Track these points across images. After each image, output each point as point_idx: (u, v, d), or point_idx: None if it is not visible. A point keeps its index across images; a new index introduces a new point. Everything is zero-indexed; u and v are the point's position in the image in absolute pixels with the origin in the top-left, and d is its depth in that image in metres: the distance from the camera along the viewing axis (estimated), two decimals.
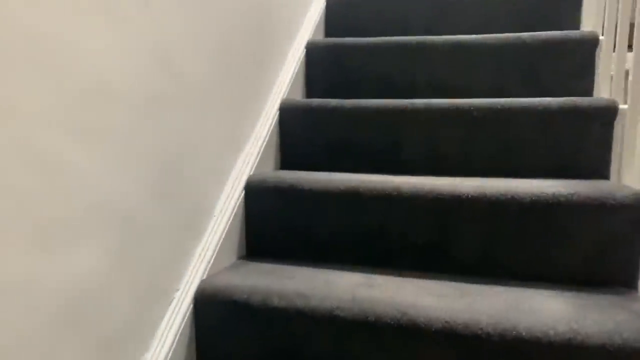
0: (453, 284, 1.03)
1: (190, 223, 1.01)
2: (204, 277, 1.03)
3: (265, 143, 1.31)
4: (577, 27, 1.69)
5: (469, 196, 1.07)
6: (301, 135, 1.41)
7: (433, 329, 0.87)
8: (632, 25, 1.25)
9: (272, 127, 1.36)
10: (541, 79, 1.47)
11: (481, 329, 0.85)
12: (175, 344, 0.93)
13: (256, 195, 1.20)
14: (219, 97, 1.11)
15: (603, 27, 1.39)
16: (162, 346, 0.91)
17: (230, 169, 1.18)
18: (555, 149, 1.25)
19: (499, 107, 1.28)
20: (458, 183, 1.12)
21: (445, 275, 1.08)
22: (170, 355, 0.91)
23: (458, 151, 1.31)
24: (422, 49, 1.54)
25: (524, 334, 0.84)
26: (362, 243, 1.14)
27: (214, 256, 1.06)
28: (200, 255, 1.03)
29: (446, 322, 0.87)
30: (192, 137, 1.01)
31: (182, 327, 0.95)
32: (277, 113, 1.41)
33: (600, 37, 1.44)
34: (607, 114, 1.23)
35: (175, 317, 0.95)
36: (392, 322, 0.89)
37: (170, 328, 0.93)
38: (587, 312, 0.88)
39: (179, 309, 0.96)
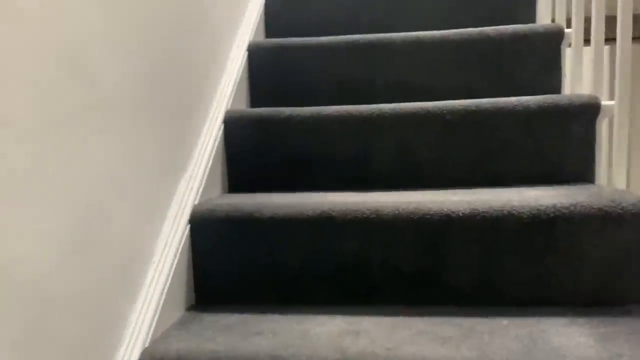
0: (453, 320, 0.87)
1: (122, 279, 0.78)
2: (146, 344, 0.80)
3: (210, 162, 1.10)
4: (533, 21, 1.61)
5: (461, 214, 0.92)
6: (252, 150, 1.21)
7: None
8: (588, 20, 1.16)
9: (217, 142, 1.15)
10: (509, 75, 1.36)
11: None
12: None
13: (205, 228, 0.98)
14: (150, 111, 0.89)
15: (570, 20, 1.29)
16: None
17: (170, 198, 0.96)
18: (537, 151, 1.14)
19: (473, 108, 1.15)
20: (445, 199, 0.97)
21: (440, 309, 0.92)
22: None
23: (433, 159, 1.16)
24: (379, 48, 1.39)
25: None
26: (339, 277, 0.96)
27: (156, 315, 0.83)
28: (138, 318, 0.80)
29: None
30: (119, 166, 0.78)
31: None
32: (222, 126, 1.20)
33: (566, 30, 1.35)
34: (589, 112, 1.13)
35: None
36: None
37: None
38: (615, 347, 0.75)
39: None
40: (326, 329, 0.85)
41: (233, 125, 1.21)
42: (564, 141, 1.13)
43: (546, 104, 1.13)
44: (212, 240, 0.98)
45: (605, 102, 1.12)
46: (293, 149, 1.19)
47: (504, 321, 0.86)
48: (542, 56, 1.36)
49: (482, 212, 0.92)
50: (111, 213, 0.75)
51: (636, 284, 0.91)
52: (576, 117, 1.13)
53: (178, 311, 0.92)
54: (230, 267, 0.98)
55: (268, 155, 1.20)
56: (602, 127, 1.14)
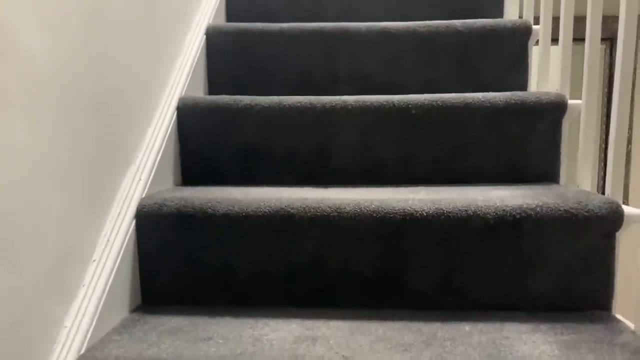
0: (414, 325, 0.83)
1: (55, 280, 0.70)
2: (82, 351, 0.73)
3: (161, 153, 1.02)
4: (500, 16, 1.59)
5: (425, 214, 0.88)
6: (206, 141, 1.14)
7: None
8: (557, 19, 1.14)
9: (169, 131, 1.07)
10: (476, 71, 1.33)
11: None
12: None
13: (152, 225, 0.91)
14: (92, 95, 0.80)
15: (539, 17, 1.27)
16: None
17: (115, 191, 0.88)
18: (502, 149, 1.11)
19: (440, 104, 1.11)
20: (409, 197, 0.92)
21: (402, 313, 0.87)
22: None
23: (397, 155, 1.12)
24: (344, 37, 1.33)
25: None
26: (296, 279, 0.91)
27: (95, 319, 0.76)
28: (74, 323, 0.72)
29: None
30: (53, 153, 0.70)
31: None
32: (175, 113, 1.12)
33: (534, 27, 1.33)
34: (556, 110, 1.11)
35: None
36: None
37: None
38: (579, 357, 0.73)
39: None
40: (281, 334, 0.79)
41: (187, 114, 1.13)
42: (529, 139, 1.10)
43: (513, 101, 1.10)
44: (160, 237, 0.91)
45: (572, 101, 1.11)
46: (250, 141, 1.13)
47: (467, 327, 0.83)
48: (509, 53, 1.34)
49: (447, 211, 0.88)
50: (42, 205, 0.67)
51: (600, 289, 0.89)
52: (543, 115, 1.11)
53: (121, 313, 0.84)
54: (180, 266, 0.91)
55: (223, 146, 1.13)
56: (567, 126, 1.12)
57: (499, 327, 0.82)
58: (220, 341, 0.77)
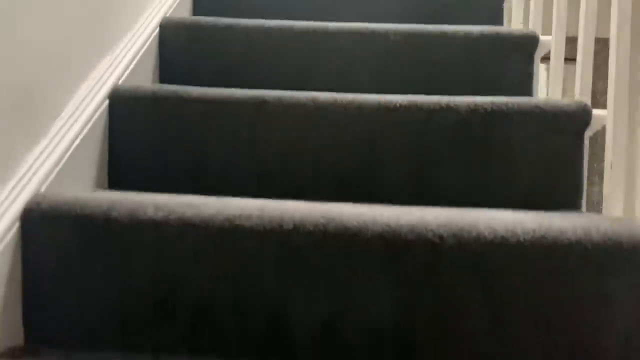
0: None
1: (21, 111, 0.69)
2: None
3: (141, 53, 1.02)
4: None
5: (399, 105, 0.89)
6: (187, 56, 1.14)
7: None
8: None
9: (151, 39, 1.08)
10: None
11: (432, 230, 0.65)
12: None
13: (125, 106, 0.90)
14: None
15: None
16: None
17: (89, 70, 0.88)
18: (476, 76, 1.13)
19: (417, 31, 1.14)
20: (386, 97, 0.93)
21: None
22: None
23: (374, 76, 1.13)
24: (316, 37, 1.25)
25: (486, 233, 0.65)
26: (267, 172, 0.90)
27: (55, 170, 0.74)
28: (34, 164, 0.71)
29: (387, 225, 0.66)
30: None
31: None
32: (158, 29, 1.13)
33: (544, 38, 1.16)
34: (529, 45, 1.14)
35: None
36: (316, 229, 0.65)
37: None
38: (548, 218, 0.73)
39: None
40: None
41: (169, 32, 1.14)
42: (504, 67, 1.13)
43: (487, 32, 1.14)
44: (132, 120, 0.90)
45: (543, 37, 1.14)
46: (230, 58, 1.13)
47: (439, 210, 0.82)
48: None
49: (420, 104, 0.89)
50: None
51: (570, 187, 0.89)
52: (516, 49, 1.14)
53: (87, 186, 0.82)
54: (150, 152, 0.90)
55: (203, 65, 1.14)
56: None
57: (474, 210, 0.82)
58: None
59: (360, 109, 0.89)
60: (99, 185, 0.87)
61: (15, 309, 0.67)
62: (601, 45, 1.00)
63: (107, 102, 0.89)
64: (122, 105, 0.90)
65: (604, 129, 0.88)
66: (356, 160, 0.89)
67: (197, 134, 0.90)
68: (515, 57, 1.14)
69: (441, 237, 0.65)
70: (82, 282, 0.66)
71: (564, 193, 0.88)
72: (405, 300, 0.64)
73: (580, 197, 0.88)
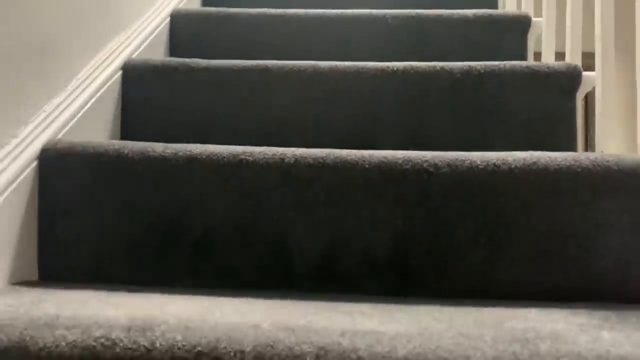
0: None
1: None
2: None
3: (157, 32, 1.09)
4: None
5: (396, 69, 0.93)
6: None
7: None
8: None
9: (164, 24, 1.14)
10: None
11: (427, 160, 0.68)
12: None
13: (138, 77, 0.95)
14: None
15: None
16: None
17: (107, 40, 0.94)
18: (471, 52, 1.18)
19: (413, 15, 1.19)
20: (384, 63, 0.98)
21: None
22: None
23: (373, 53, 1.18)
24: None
25: (479, 162, 0.68)
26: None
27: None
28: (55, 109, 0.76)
29: (384, 157, 0.69)
30: None
31: None
32: (169, 19, 1.20)
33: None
34: (522, 24, 1.19)
35: None
36: (315, 162, 0.69)
37: None
38: (539, 153, 0.75)
39: None
40: None
41: (180, 21, 1.21)
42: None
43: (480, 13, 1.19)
44: (143, 87, 0.95)
45: (535, 18, 1.19)
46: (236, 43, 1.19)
47: None
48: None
49: (416, 66, 0.94)
50: None
51: (563, 144, 0.92)
52: (509, 29, 1.19)
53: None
54: (161, 116, 0.95)
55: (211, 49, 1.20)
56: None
57: None
58: None
59: (358, 74, 0.94)
60: None
61: (30, 245, 0.70)
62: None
63: (120, 72, 0.95)
64: (134, 75, 0.95)
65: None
66: (356, 121, 0.93)
67: (205, 100, 0.94)
68: (509, 37, 1.19)
69: (436, 166, 0.68)
70: (93, 216, 0.70)
71: (557, 145, 0.90)
72: (401, 225, 0.67)
73: (574, 149, 0.91)
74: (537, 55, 1.18)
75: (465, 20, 1.18)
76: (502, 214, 0.66)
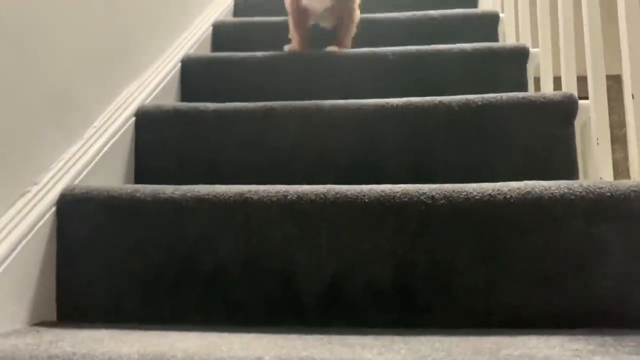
0: None
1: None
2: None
3: (166, 81, 1.14)
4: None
5: (395, 105, 0.97)
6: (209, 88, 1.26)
7: None
8: None
9: (175, 70, 1.20)
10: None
11: (425, 193, 0.71)
12: None
13: (150, 122, 1.01)
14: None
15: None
16: None
17: (121, 88, 1.00)
18: (471, 86, 1.21)
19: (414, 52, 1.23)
20: (382, 100, 1.01)
21: None
22: None
23: (373, 87, 1.22)
24: None
25: (475, 193, 0.70)
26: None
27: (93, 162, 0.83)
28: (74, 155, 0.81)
29: (382, 191, 0.72)
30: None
31: None
32: (180, 65, 1.26)
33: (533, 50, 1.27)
34: (521, 56, 1.22)
35: None
36: (317, 197, 0.72)
37: None
38: (534, 182, 0.77)
39: None
40: None
41: (191, 66, 1.27)
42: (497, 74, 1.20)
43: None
44: (156, 131, 1.00)
45: (533, 49, 1.23)
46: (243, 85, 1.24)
47: None
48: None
49: (415, 102, 0.97)
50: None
51: (563, 168, 0.94)
52: (507, 60, 1.22)
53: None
54: (172, 157, 0.99)
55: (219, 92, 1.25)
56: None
57: None
58: None
59: (359, 111, 0.97)
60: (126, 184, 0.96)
61: (49, 287, 0.74)
62: (611, 82, 1.09)
63: (134, 118, 1.00)
64: (147, 121, 1.00)
65: None
66: (359, 155, 0.96)
67: (214, 141, 0.99)
68: (508, 68, 1.22)
69: (433, 198, 0.71)
70: (108, 256, 0.73)
71: (557, 172, 0.92)
72: (402, 255, 0.69)
73: (575, 175, 0.92)
74: (538, 80, 1.21)
75: (465, 54, 1.22)
76: (500, 242, 0.68)
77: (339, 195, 0.72)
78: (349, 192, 0.72)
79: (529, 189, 0.70)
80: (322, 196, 0.72)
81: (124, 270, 0.73)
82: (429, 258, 0.69)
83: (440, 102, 0.97)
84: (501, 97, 0.96)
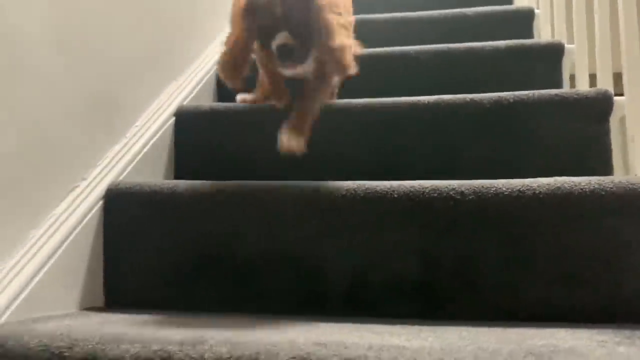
0: None
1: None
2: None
3: (202, 83, 1.19)
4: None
5: (426, 102, 0.98)
6: None
7: None
8: None
9: (209, 75, 1.25)
10: None
11: (454, 189, 0.72)
12: None
13: (189, 121, 1.05)
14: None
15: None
16: None
17: (161, 89, 1.05)
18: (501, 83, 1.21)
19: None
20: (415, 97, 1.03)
21: None
22: None
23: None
24: None
25: (504, 189, 0.71)
26: None
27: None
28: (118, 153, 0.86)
29: (412, 187, 0.73)
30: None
31: None
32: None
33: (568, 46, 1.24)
34: (556, 53, 1.21)
35: None
36: (348, 193, 0.74)
37: None
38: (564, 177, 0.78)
39: None
40: None
41: None
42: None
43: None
44: (194, 130, 1.04)
45: (568, 45, 1.21)
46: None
47: None
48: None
49: (447, 99, 0.98)
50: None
51: (598, 167, 0.93)
52: (540, 57, 1.21)
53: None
54: (210, 154, 1.03)
55: None
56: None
57: None
58: None
59: (393, 108, 0.99)
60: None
61: (97, 275, 0.79)
62: None
63: (173, 118, 1.05)
64: (186, 119, 1.05)
65: None
66: (388, 154, 0.98)
67: (248, 139, 1.02)
68: (542, 65, 1.21)
69: (462, 194, 0.72)
70: (150, 248, 0.78)
71: (592, 169, 0.91)
72: (431, 249, 0.71)
73: (609, 172, 0.91)
74: (573, 78, 1.20)
75: (498, 51, 1.22)
76: (528, 238, 0.69)
77: (369, 191, 0.74)
78: (378, 188, 0.75)
79: (558, 185, 0.71)
80: (353, 192, 0.75)
81: (165, 260, 0.77)
82: (457, 253, 0.70)
83: (471, 99, 0.98)
84: (533, 94, 0.96)
